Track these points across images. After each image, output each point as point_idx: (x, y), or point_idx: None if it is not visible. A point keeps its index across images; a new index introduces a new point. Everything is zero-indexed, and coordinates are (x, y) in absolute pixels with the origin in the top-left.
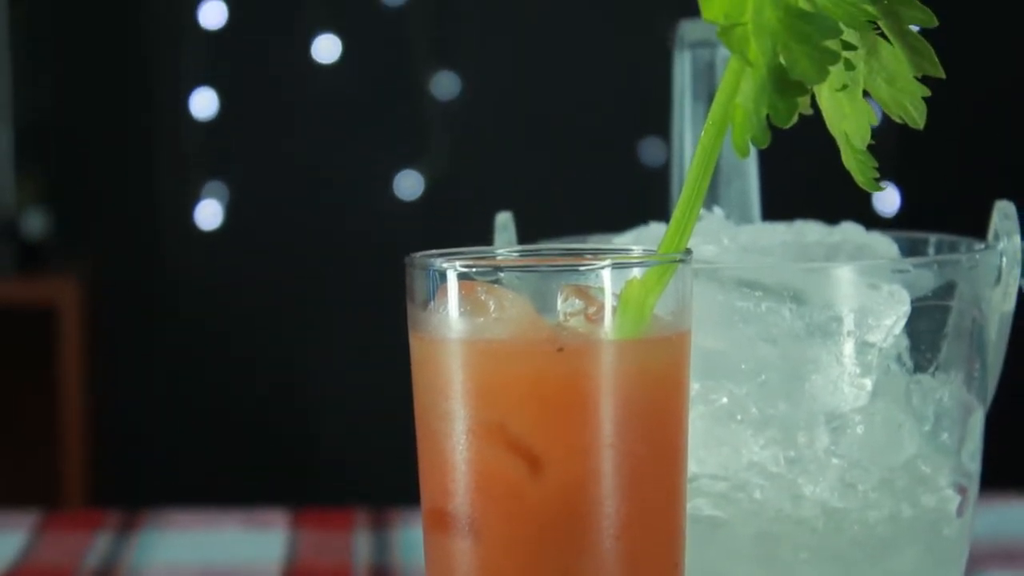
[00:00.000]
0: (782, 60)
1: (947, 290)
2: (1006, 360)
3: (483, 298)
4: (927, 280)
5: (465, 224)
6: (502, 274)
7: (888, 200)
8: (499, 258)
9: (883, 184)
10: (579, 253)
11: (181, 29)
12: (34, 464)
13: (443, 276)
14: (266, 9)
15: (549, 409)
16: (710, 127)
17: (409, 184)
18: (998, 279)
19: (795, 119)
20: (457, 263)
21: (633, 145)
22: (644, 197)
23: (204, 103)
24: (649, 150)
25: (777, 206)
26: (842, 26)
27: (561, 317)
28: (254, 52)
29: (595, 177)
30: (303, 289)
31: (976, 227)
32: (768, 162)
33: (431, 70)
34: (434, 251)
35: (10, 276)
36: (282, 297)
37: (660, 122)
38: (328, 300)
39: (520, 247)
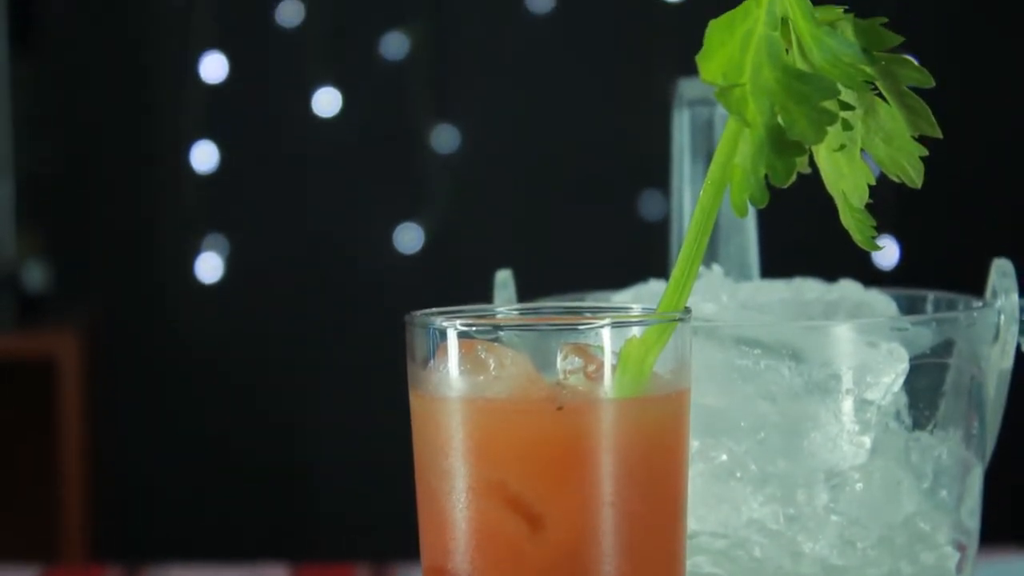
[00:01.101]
0: (780, 120)
1: (945, 348)
2: (1005, 417)
3: (483, 356)
4: (925, 338)
5: (465, 276)
6: (502, 333)
7: (887, 254)
8: (499, 317)
9: (881, 243)
10: (578, 312)
11: (182, 82)
12: (34, 517)
13: (443, 334)
14: (267, 63)
15: (549, 467)
16: (709, 186)
17: (409, 237)
18: (996, 337)
19: (793, 179)
20: (457, 322)
21: (633, 198)
22: (644, 250)
23: (205, 156)
24: (649, 203)
25: (776, 262)
26: (840, 86)
27: (561, 375)
28: (255, 105)
29: (595, 229)
30: (303, 342)
31: (976, 277)
32: (767, 219)
33: (431, 123)
34: (434, 309)
35: (10, 329)
36: (282, 350)
37: (660, 175)
38: (328, 353)
39: (520, 305)
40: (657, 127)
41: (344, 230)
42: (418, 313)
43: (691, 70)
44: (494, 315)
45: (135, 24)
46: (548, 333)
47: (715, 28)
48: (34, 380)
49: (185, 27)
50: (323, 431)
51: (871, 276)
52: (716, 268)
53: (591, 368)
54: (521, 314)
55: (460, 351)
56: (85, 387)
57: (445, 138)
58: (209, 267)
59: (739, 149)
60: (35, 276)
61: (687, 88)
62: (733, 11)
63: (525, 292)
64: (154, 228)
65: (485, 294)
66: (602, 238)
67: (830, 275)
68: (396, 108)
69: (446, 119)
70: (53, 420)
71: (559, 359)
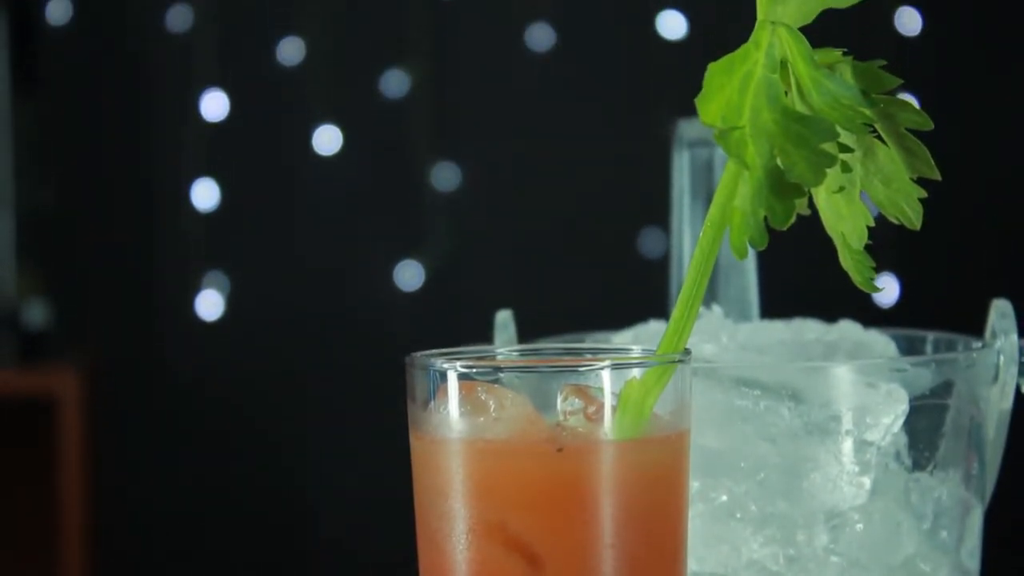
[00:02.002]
0: (779, 163)
1: (945, 388)
2: (1004, 458)
3: (483, 398)
4: (925, 379)
5: (466, 313)
6: (502, 374)
7: (887, 292)
8: (499, 358)
9: (881, 281)
10: (579, 353)
11: (183, 120)
12: (33, 556)
13: (443, 376)
14: (267, 100)
15: (549, 509)
16: (708, 228)
17: (409, 274)
18: (996, 377)
19: (792, 220)
20: (457, 363)
21: (633, 235)
22: (644, 287)
23: (205, 194)
24: (649, 240)
25: (776, 301)
26: (839, 129)
27: (561, 416)
28: (255, 143)
29: (595, 267)
30: (304, 379)
31: (976, 315)
32: (767, 259)
33: (431, 161)
34: (434, 351)
35: (10, 367)
36: (283, 388)
37: (660, 212)
38: (329, 391)
39: (520, 347)
40: (657, 164)
41: (344, 267)
42: (418, 355)
43: (691, 107)
44: (494, 356)
45: (136, 62)
46: (548, 375)
47: (714, 71)
48: (34, 418)
49: (186, 65)
50: (324, 470)
51: (871, 314)
52: (716, 308)
53: (591, 409)
54: (521, 355)
55: (460, 392)
56: (85, 425)
57: (445, 176)
58: (209, 304)
59: (738, 191)
60: (36, 314)
61: (686, 129)
62: (732, 54)
63: (526, 329)
64: (155, 265)
65: (485, 331)
66: (602, 275)
67: (831, 313)
68: (397, 146)
69: (446, 157)
70: (53, 458)
71: (559, 400)
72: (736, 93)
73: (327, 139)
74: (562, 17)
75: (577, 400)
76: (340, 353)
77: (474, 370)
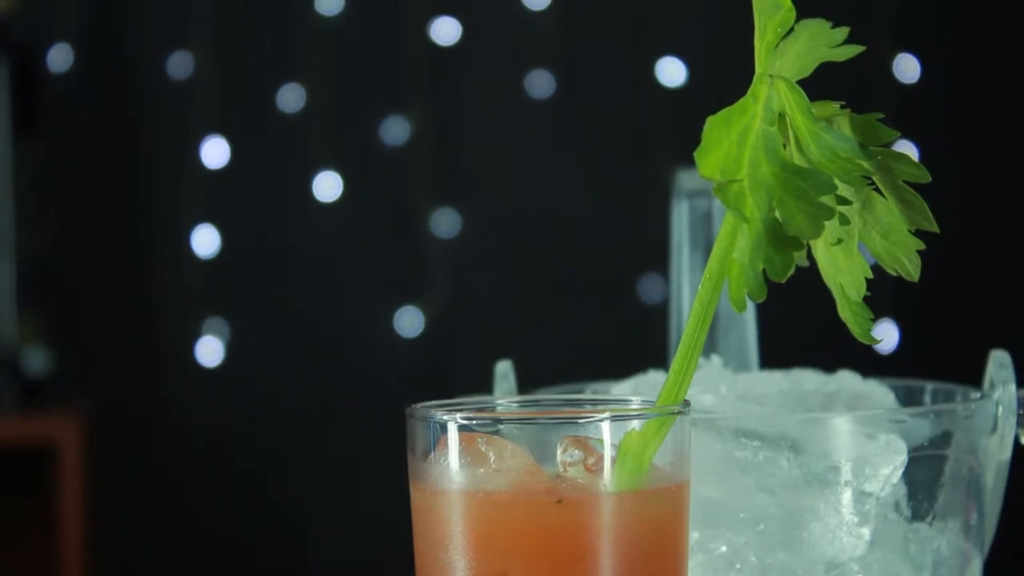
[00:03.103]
0: (778, 215)
1: (944, 439)
2: (1003, 508)
3: (483, 449)
4: (924, 429)
5: (466, 359)
6: (502, 426)
7: (886, 338)
8: (499, 409)
9: (880, 328)
10: (578, 404)
11: (183, 166)
12: None
13: (444, 428)
14: (268, 148)
15: (549, 560)
16: (707, 281)
17: (409, 321)
18: (994, 428)
19: (791, 273)
20: (457, 415)
21: (632, 282)
22: (644, 333)
23: (205, 240)
24: (648, 286)
25: (776, 349)
26: (837, 181)
27: (560, 468)
28: (256, 189)
29: (595, 313)
30: (304, 426)
31: (976, 358)
32: (766, 308)
33: (431, 207)
34: (434, 402)
35: (10, 413)
36: (283, 435)
37: (659, 258)
38: (329, 438)
39: (520, 397)
40: (656, 211)
41: (344, 313)
42: (418, 406)
43: (691, 154)
44: (494, 408)
45: (136, 108)
46: (548, 426)
47: (713, 124)
48: (34, 465)
49: (187, 111)
50: (324, 518)
51: (871, 360)
52: (715, 359)
53: (591, 461)
54: (521, 406)
55: (460, 444)
56: (86, 472)
57: (445, 222)
58: (210, 351)
59: (737, 244)
60: (36, 360)
61: (685, 180)
62: (730, 107)
63: (526, 376)
64: (155, 312)
65: (485, 377)
66: (602, 320)
67: (830, 359)
68: (397, 192)
69: (447, 203)
70: (53, 505)
71: (559, 452)
72: (735, 146)
73: (327, 186)
74: (562, 64)
75: (577, 451)
76: (340, 400)
77: (474, 422)
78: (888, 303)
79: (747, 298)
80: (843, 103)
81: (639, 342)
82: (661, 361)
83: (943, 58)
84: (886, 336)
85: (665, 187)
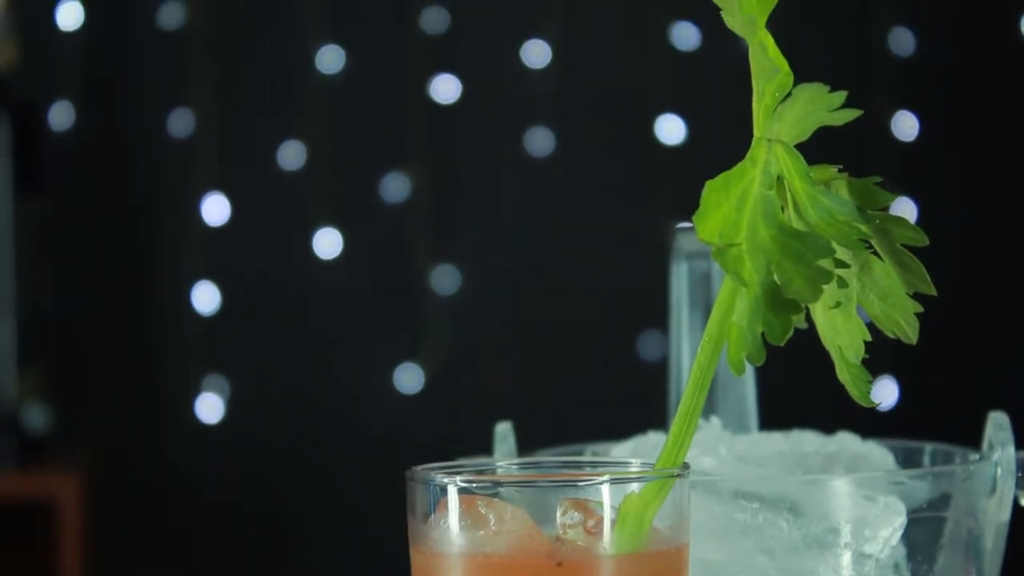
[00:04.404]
0: (776, 279)
1: (943, 501)
2: (1003, 570)
3: (483, 511)
4: (923, 491)
5: (466, 416)
6: (502, 489)
7: (886, 395)
8: (499, 472)
9: (880, 386)
10: (578, 466)
11: (183, 223)
12: None
13: (444, 490)
14: (268, 204)
15: None
16: (706, 344)
17: (409, 377)
18: (993, 489)
19: (790, 335)
20: (457, 478)
21: (632, 338)
22: (644, 391)
23: (205, 297)
24: (648, 344)
25: (776, 408)
26: (835, 244)
27: (560, 530)
28: (256, 246)
29: (594, 370)
30: (304, 483)
31: (976, 412)
32: (765, 368)
33: (431, 264)
34: (434, 464)
35: (10, 470)
36: (283, 492)
37: (659, 316)
38: (329, 496)
39: (520, 460)
40: (655, 268)
41: (344, 370)
42: (418, 468)
43: (690, 211)
44: (494, 470)
45: (136, 165)
46: (548, 489)
47: (711, 188)
48: (34, 522)
49: (187, 168)
50: (323, 573)
51: (870, 419)
52: (715, 420)
53: (590, 523)
54: (521, 469)
55: (460, 506)
56: (86, 528)
57: (445, 279)
58: (210, 408)
59: (736, 307)
60: (36, 417)
61: (684, 241)
62: (729, 171)
63: (526, 434)
64: (155, 368)
65: (485, 434)
66: (602, 378)
67: (830, 417)
68: (397, 249)
69: (447, 260)
70: (53, 562)
71: (559, 514)
72: (733, 210)
73: (327, 242)
74: (561, 121)
75: (576, 514)
76: (340, 457)
77: (474, 484)
78: (888, 360)
79: (746, 362)
80: (841, 166)
81: (639, 400)
82: (661, 418)
83: (942, 115)
84: (886, 393)
85: (664, 244)
